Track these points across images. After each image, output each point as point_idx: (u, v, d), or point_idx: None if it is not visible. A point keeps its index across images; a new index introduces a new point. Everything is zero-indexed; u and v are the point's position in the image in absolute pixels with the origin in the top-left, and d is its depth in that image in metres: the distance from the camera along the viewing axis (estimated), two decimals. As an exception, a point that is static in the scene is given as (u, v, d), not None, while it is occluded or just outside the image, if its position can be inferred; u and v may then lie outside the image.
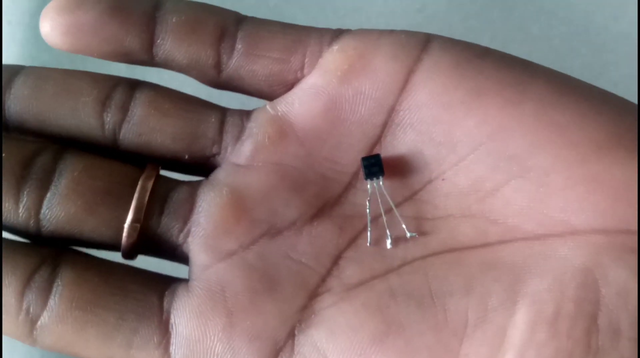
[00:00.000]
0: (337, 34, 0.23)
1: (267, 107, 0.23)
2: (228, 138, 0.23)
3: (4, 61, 0.37)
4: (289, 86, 0.23)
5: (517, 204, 0.21)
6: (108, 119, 0.23)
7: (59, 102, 0.23)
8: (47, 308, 0.21)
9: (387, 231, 0.22)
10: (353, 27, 0.24)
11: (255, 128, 0.23)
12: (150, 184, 0.22)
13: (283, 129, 0.23)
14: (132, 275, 0.22)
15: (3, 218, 0.22)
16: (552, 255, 0.20)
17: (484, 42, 0.23)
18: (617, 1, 0.40)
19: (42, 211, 0.22)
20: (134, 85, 0.23)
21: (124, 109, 0.23)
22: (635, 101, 0.22)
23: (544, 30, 0.40)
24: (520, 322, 0.19)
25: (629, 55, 0.39)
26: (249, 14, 0.24)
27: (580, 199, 0.20)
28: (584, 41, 0.40)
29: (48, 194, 0.22)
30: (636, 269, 0.19)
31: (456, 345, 0.20)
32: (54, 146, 0.23)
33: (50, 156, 0.22)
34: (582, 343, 0.19)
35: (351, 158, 0.23)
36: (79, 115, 0.23)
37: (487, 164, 0.21)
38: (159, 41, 0.23)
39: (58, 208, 0.22)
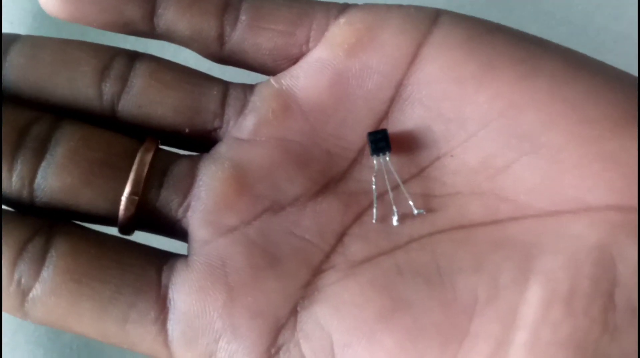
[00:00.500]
0: (344, 7, 0.23)
1: (271, 80, 0.23)
2: (230, 111, 0.23)
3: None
4: (294, 61, 0.23)
5: (529, 182, 0.20)
6: (106, 89, 0.22)
7: (56, 72, 0.22)
8: (40, 280, 0.20)
9: (394, 208, 0.22)
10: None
11: (259, 102, 0.22)
12: (149, 156, 0.22)
13: (287, 104, 0.22)
14: (129, 248, 0.21)
15: None
16: (565, 233, 0.20)
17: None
18: (617, 1, 0.40)
19: (37, 181, 0.21)
20: (133, 56, 0.23)
21: (123, 80, 0.22)
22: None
23: (543, 30, 0.40)
24: (533, 299, 0.19)
25: (629, 55, 0.39)
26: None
27: (594, 176, 0.20)
28: (583, 41, 0.40)
29: (43, 164, 0.21)
30: None
31: (466, 322, 0.19)
32: (50, 115, 0.22)
33: (47, 125, 0.22)
34: (600, 321, 0.18)
35: (357, 133, 0.22)
36: (77, 85, 0.22)
37: (498, 140, 0.21)
38: (160, 11, 0.22)
39: (53, 178, 0.21)
